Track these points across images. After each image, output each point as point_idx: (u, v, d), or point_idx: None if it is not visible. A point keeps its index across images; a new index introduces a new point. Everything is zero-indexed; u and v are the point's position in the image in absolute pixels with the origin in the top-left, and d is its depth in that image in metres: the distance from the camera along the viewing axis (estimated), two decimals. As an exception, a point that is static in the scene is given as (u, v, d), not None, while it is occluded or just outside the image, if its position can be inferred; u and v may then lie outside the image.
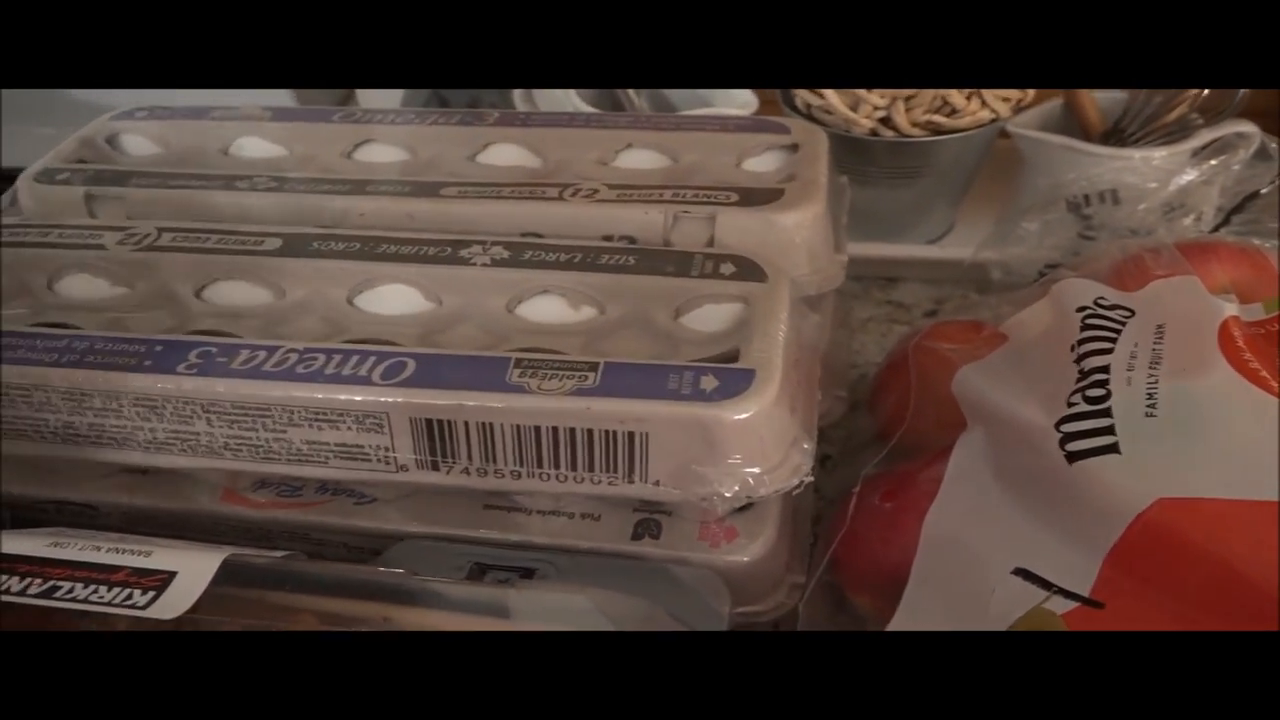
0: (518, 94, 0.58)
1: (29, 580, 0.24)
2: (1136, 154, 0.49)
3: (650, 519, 0.34)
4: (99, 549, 0.26)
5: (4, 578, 0.24)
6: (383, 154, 0.43)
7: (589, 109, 0.54)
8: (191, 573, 0.25)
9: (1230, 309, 0.33)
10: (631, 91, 0.57)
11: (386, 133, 0.44)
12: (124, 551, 0.26)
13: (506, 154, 0.43)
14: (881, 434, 0.39)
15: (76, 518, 0.34)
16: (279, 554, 0.27)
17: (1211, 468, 0.28)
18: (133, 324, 0.33)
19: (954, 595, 0.31)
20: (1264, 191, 0.44)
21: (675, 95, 0.60)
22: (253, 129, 0.44)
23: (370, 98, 0.61)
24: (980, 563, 0.31)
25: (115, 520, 0.34)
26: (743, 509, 0.33)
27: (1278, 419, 0.29)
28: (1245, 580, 0.26)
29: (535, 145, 0.43)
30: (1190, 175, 0.46)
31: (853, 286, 0.55)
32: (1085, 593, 0.28)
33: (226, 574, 0.25)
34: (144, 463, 0.32)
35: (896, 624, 0.31)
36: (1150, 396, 0.31)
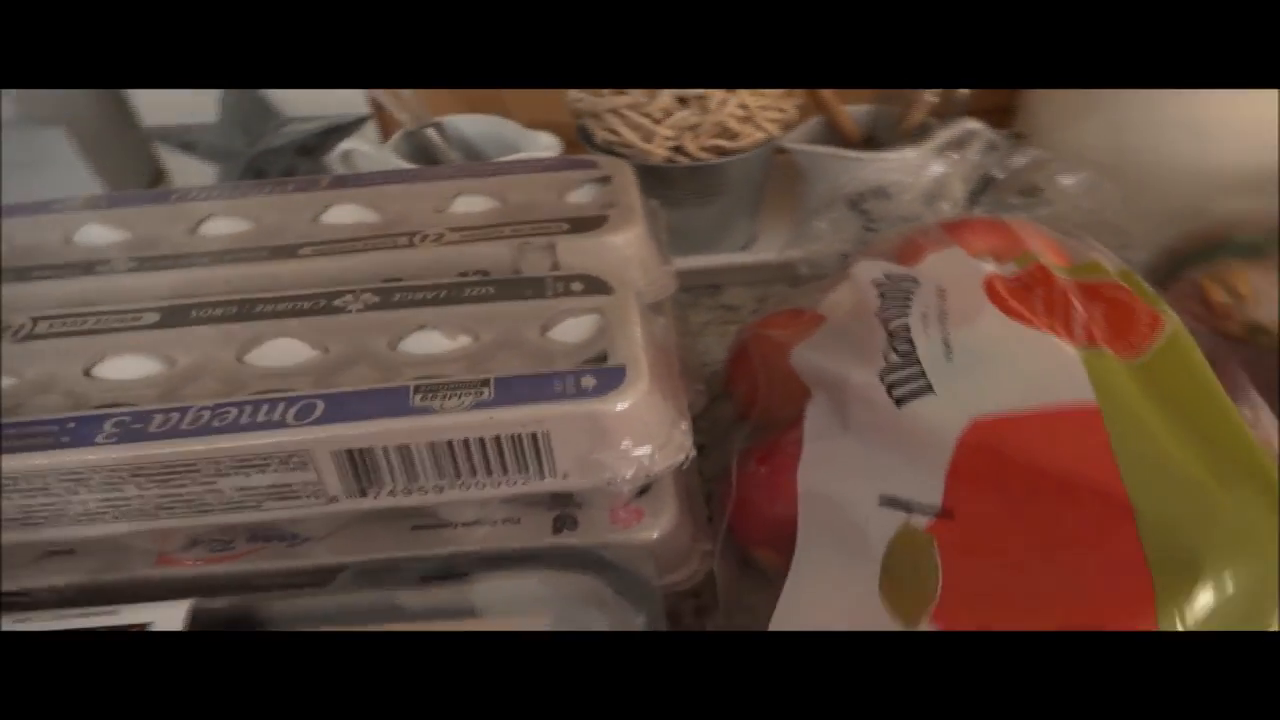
0: (335, 157, 0.60)
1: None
2: (891, 155, 0.58)
3: (566, 514, 0.38)
4: (64, 618, 0.27)
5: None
6: (228, 226, 0.45)
7: (409, 165, 0.57)
8: (165, 619, 0.27)
9: (990, 268, 0.41)
10: (443, 145, 0.61)
11: (225, 206, 0.46)
12: (90, 615, 0.27)
13: (347, 213, 0.46)
14: (741, 415, 0.45)
15: (9, 609, 0.34)
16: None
17: (1002, 390, 0.35)
18: (29, 410, 0.34)
19: (837, 532, 0.36)
20: (1000, 177, 0.53)
21: (482, 143, 0.64)
22: (92, 217, 0.45)
23: (185, 175, 0.62)
24: (851, 501, 0.36)
25: (50, 602, 0.34)
26: (643, 493, 0.38)
27: (1039, 346, 0.36)
28: (1043, 470, 0.33)
29: (372, 202, 0.46)
30: (938, 168, 0.54)
31: (684, 297, 0.61)
32: (937, 506, 0.34)
33: (196, 619, 0.27)
34: (79, 535, 0.33)
35: (795, 568, 0.36)
36: (946, 344, 0.37)
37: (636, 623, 0.33)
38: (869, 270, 0.43)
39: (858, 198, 0.53)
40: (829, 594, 0.35)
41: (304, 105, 0.60)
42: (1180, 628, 0.28)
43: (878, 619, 0.33)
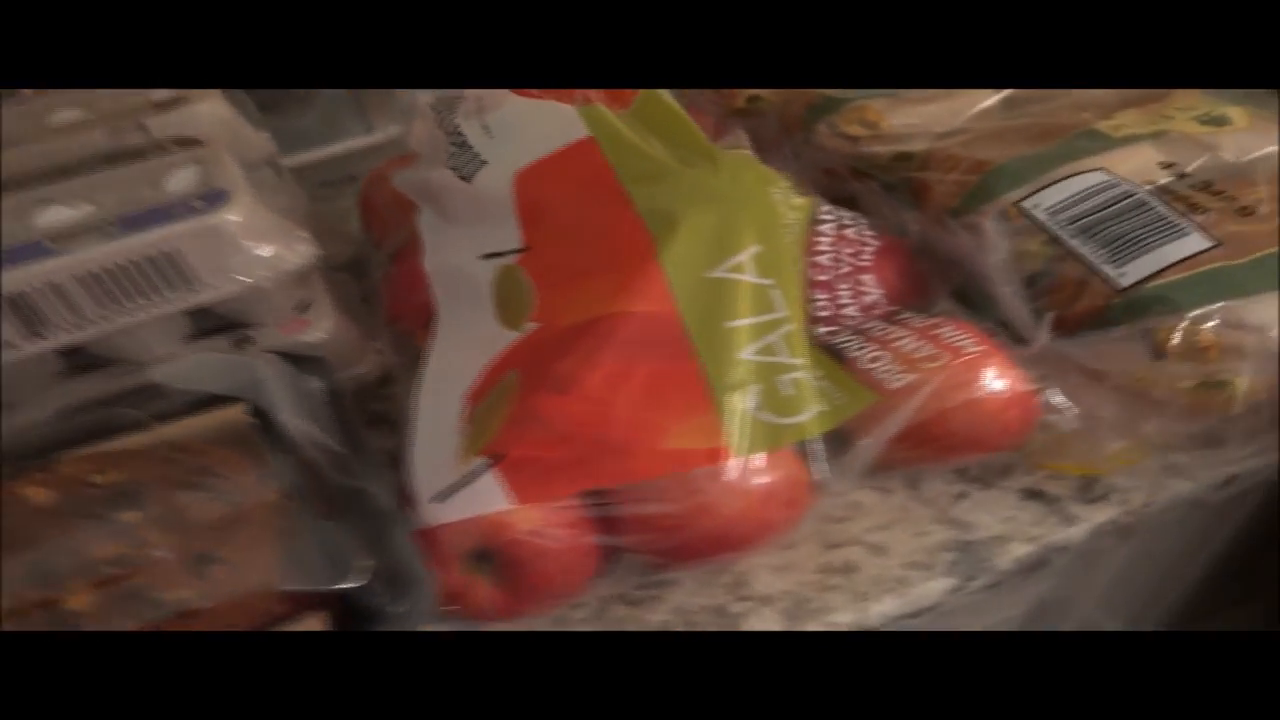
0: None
1: None
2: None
3: (243, 335, 0.45)
4: None
5: None
6: None
7: None
8: None
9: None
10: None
11: None
12: None
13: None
14: (379, 243, 0.53)
15: None
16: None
17: (528, 146, 0.45)
18: None
19: (460, 293, 0.44)
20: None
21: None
22: None
23: None
24: (463, 267, 0.45)
25: None
26: (305, 309, 0.45)
27: (547, 110, 0.46)
28: (570, 190, 0.44)
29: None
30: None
31: (328, 190, 0.66)
32: (519, 245, 0.44)
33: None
34: None
35: (439, 328, 0.44)
36: (485, 127, 0.47)
37: (315, 385, 0.41)
38: (428, 99, 0.53)
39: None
40: (464, 334, 0.43)
41: None
42: (670, 266, 0.39)
43: (498, 337, 0.41)
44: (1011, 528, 0.41)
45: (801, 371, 0.38)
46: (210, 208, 0.41)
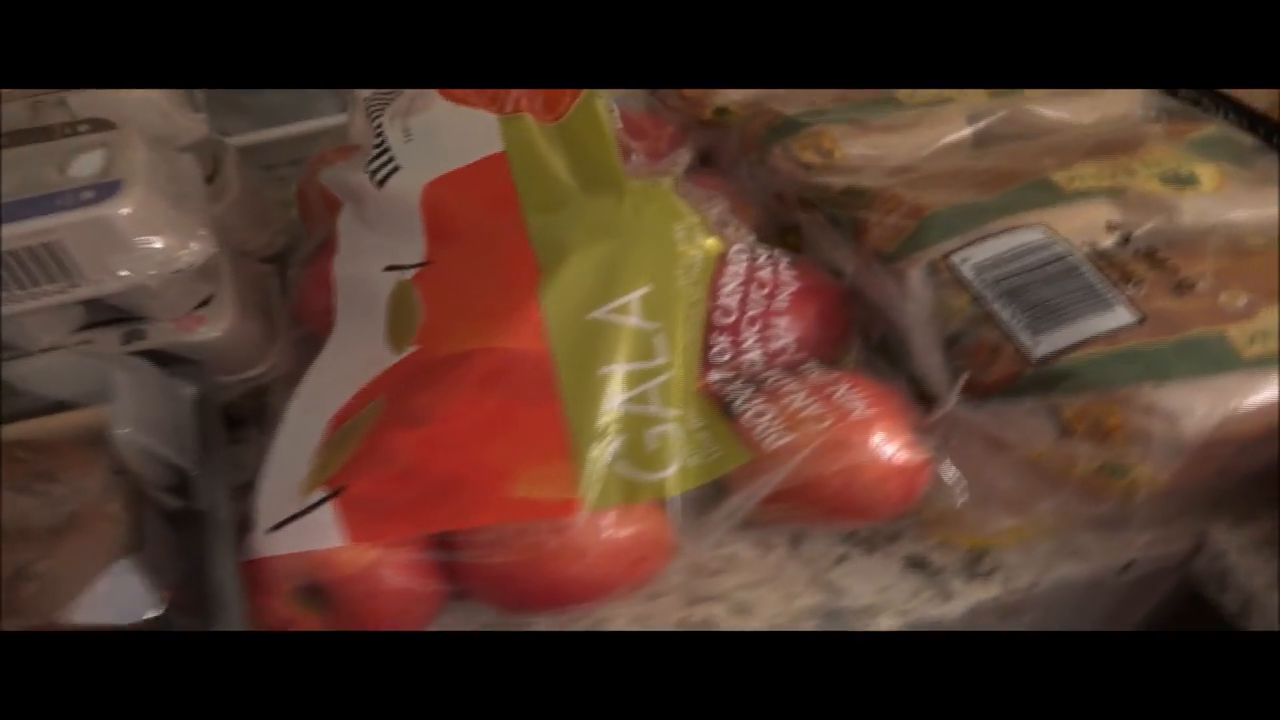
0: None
1: None
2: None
3: (135, 329, 0.44)
4: None
5: None
6: None
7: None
8: None
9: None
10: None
11: None
12: None
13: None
14: (309, 235, 0.52)
15: None
16: None
17: (443, 156, 0.43)
18: None
19: (359, 303, 0.43)
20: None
21: None
22: None
23: None
24: (367, 276, 0.44)
25: None
26: (205, 304, 0.44)
27: (469, 119, 0.45)
28: (472, 205, 0.42)
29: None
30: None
31: (291, 170, 0.65)
32: (421, 259, 0.42)
33: None
34: None
35: (332, 336, 0.43)
36: (405, 130, 0.45)
37: (186, 392, 0.40)
38: (365, 92, 0.51)
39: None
40: (350, 350, 0.43)
41: None
42: (550, 303, 0.38)
43: (381, 358, 0.40)
44: (885, 598, 0.39)
45: (672, 424, 0.37)
46: (99, 199, 0.40)
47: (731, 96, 0.59)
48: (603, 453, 0.35)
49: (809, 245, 0.51)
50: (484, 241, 0.41)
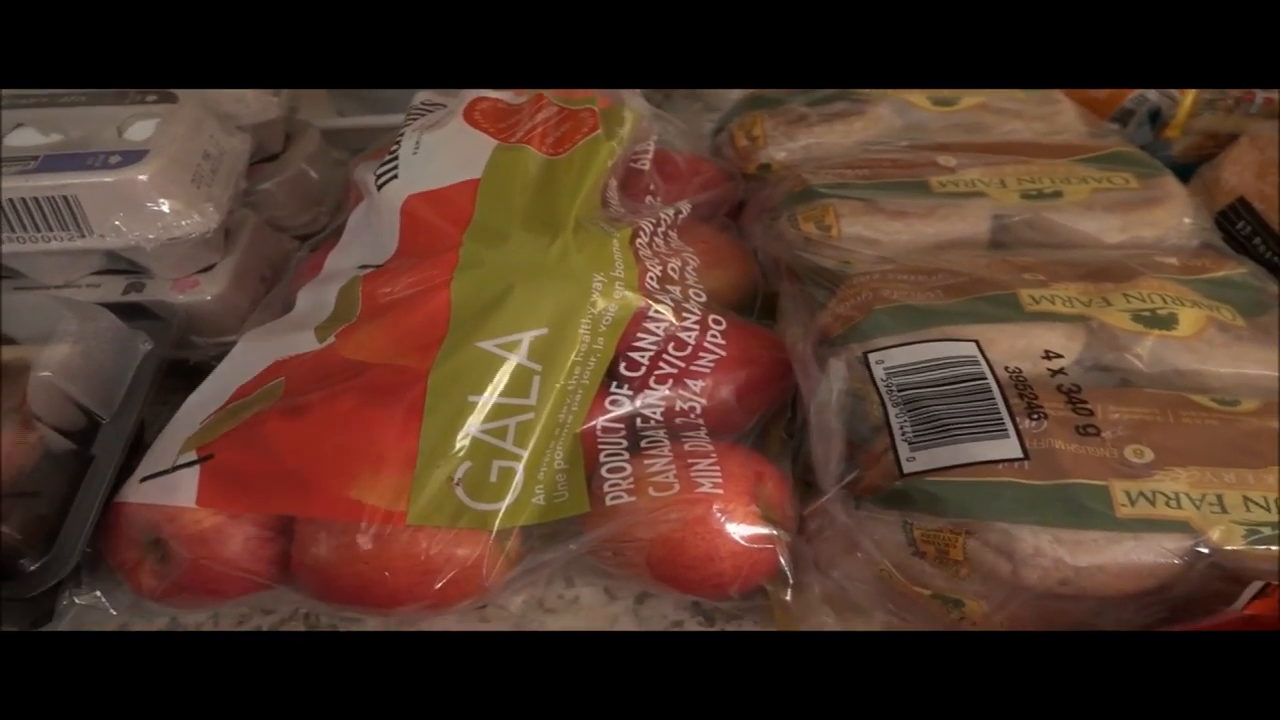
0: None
1: None
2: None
3: (136, 282, 0.50)
4: None
5: None
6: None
7: None
8: None
9: (482, 94, 0.53)
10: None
11: None
12: None
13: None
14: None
15: None
16: None
17: (434, 173, 0.47)
18: None
19: (322, 287, 0.47)
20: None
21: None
22: None
23: None
24: (341, 271, 0.48)
25: None
26: (206, 270, 0.50)
27: (472, 141, 0.48)
28: (432, 225, 0.46)
29: None
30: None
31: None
32: (387, 260, 0.46)
33: None
34: None
35: (291, 313, 0.48)
36: (418, 143, 0.49)
37: (142, 347, 0.46)
38: (424, 95, 0.56)
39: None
40: (287, 328, 0.46)
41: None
42: (451, 331, 0.40)
43: (303, 341, 0.43)
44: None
45: (518, 463, 0.39)
46: (122, 164, 0.46)
47: (775, 155, 0.60)
48: (446, 472, 0.38)
49: (782, 315, 0.52)
50: (422, 261, 0.44)
